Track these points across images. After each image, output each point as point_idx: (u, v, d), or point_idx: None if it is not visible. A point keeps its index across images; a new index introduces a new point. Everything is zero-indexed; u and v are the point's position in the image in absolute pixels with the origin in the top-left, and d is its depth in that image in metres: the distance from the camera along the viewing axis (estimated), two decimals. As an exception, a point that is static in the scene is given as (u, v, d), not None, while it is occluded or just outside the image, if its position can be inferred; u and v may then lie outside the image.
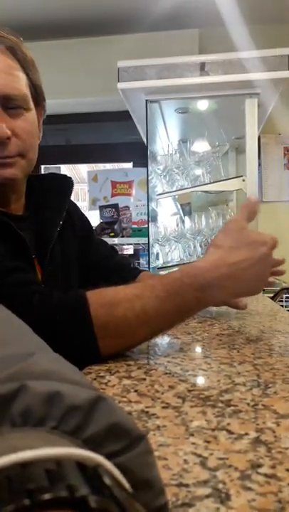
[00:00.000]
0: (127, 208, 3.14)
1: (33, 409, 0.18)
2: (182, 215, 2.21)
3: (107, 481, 0.15)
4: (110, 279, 0.93)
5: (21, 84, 0.74)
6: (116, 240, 3.01)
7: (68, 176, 0.92)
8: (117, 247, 3.45)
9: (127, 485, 0.17)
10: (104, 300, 0.60)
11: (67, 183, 0.89)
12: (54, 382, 0.20)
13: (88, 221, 0.99)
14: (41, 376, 0.20)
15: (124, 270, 0.98)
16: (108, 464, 0.16)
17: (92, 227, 1.02)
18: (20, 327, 0.30)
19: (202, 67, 1.71)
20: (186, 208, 2.25)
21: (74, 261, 0.88)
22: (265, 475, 0.29)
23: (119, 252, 3.47)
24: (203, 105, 1.87)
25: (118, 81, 1.72)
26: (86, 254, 0.93)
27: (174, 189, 1.88)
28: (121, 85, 1.72)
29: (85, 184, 3.91)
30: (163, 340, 0.71)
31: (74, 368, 0.24)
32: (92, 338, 0.57)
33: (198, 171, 1.87)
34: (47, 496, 0.13)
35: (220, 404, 0.42)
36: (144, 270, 1.06)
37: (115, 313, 0.59)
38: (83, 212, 0.99)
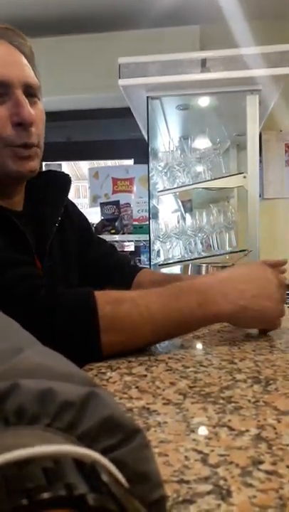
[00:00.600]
0: (128, 204, 3.14)
1: (27, 407, 0.18)
2: (183, 211, 2.21)
3: (104, 478, 0.15)
4: (110, 277, 0.93)
5: (35, 75, 0.76)
6: (117, 237, 3.01)
7: (66, 173, 0.93)
8: (117, 244, 3.43)
9: (123, 480, 0.17)
10: (110, 298, 0.60)
11: (65, 180, 0.89)
12: (46, 378, 0.20)
13: (87, 219, 0.99)
14: (32, 372, 0.20)
15: (124, 268, 0.98)
16: (104, 460, 0.16)
17: (90, 225, 1.02)
18: (7, 322, 0.30)
19: (203, 64, 1.70)
20: (187, 205, 2.25)
21: (73, 259, 0.88)
22: (266, 471, 0.29)
23: (120, 249, 3.44)
24: (204, 102, 1.87)
25: (119, 78, 1.71)
26: (85, 252, 0.93)
27: (175, 186, 1.88)
28: (122, 82, 1.71)
29: (86, 181, 3.91)
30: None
31: (66, 360, 0.24)
32: (96, 331, 0.57)
33: (199, 168, 1.87)
34: (45, 495, 0.13)
35: (221, 401, 0.42)
36: (144, 267, 1.05)
37: (120, 309, 0.59)
38: (81, 211, 0.99)
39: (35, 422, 0.17)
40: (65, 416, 0.18)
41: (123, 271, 0.96)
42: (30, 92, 0.73)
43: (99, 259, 0.95)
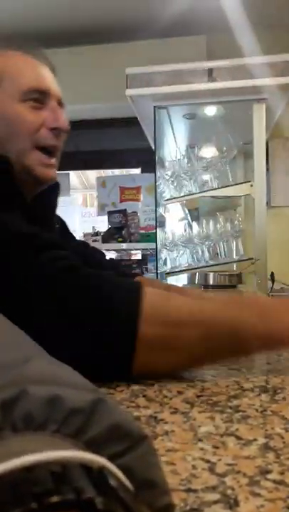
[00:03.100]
0: (135, 213, 3.15)
1: (34, 413, 0.18)
2: (190, 220, 2.21)
3: (112, 482, 0.15)
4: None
5: None
6: (124, 246, 3.02)
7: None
8: (125, 253, 3.42)
9: (130, 486, 0.17)
10: (160, 291, 0.56)
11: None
12: (54, 385, 0.20)
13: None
14: (40, 380, 0.20)
15: (116, 269, 0.98)
16: (111, 466, 0.16)
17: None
18: (15, 332, 0.30)
19: (210, 73, 1.72)
20: (194, 213, 2.25)
21: None
22: (274, 481, 0.29)
23: (127, 258, 3.43)
24: (211, 111, 1.88)
25: (126, 88, 1.73)
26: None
27: (182, 194, 1.88)
28: (129, 92, 1.73)
29: (94, 190, 3.93)
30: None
31: (72, 370, 0.24)
32: (136, 316, 0.50)
33: (206, 177, 1.87)
34: (54, 499, 0.13)
35: (228, 410, 0.42)
36: (136, 274, 1.06)
37: (168, 302, 0.53)
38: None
39: (42, 428, 0.18)
40: (73, 422, 0.18)
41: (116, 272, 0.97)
42: (61, 107, 0.79)
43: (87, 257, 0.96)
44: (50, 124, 0.75)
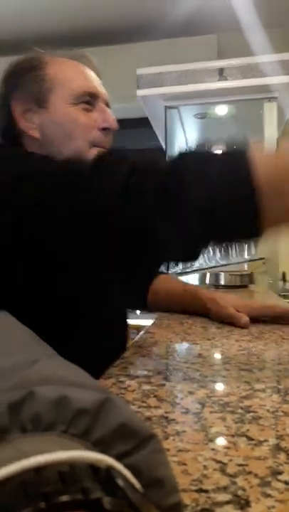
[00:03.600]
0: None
1: (42, 414, 0.18)
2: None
3: (120, 482, 0.15)
4: None
5: None
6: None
7: None
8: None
9: (138, 485, 0.17)
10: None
11: None
12: (61, 386, 0.20)
13: None
14: (47, 381, 0.20)
15: None
16: (119, 466, 0.17)
17: None
18: (23, 335, 0.30)
19: (220, 73, 1.71)
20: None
21: None
22: (286, 482, 0.29)
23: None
24: (222, 110, 1.87)
25: (137, 88, 1.73)
26: None
27: (193, 194, 1.88)
28: (140, 92, 1.73)
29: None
30: (182, 346, 0.71)
31: (80, 370, 0.24)
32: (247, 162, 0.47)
33: (217, 176, 1.87)
34: (62, 499, 0.13)
35: (239, 411, 0.42)
36: (162, 272, 1.06)
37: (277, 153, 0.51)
38: None
39: (50, 429, 0.18)
40: (80, 422, 0.18)
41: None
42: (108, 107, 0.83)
43: None
44: (101, 124, 0.78)
